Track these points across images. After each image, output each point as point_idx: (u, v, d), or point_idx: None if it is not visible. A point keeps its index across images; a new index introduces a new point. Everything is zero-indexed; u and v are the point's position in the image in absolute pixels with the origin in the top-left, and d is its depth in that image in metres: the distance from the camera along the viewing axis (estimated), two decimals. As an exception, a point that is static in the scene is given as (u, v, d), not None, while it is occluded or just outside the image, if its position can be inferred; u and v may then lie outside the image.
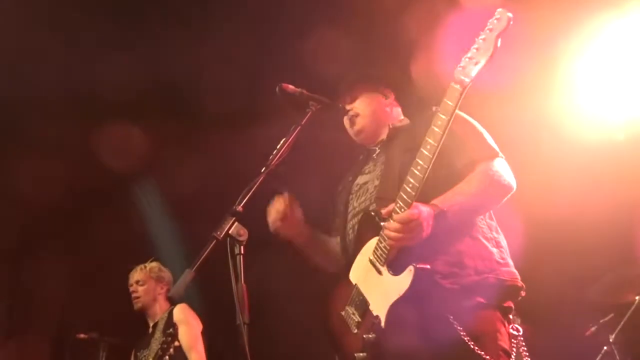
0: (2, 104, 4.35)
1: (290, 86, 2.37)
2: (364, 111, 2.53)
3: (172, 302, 3.67)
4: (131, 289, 3.97)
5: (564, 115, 4.20)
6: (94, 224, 4.96)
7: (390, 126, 2.52)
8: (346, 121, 2.58)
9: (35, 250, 5.02)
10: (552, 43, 3.94)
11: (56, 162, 4.50)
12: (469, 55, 1.92)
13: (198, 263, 1.74)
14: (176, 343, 3.32)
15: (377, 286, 2.10)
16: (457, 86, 1.93)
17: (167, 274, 4.04)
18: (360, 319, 2.15)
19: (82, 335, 4.11)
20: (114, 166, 4.65)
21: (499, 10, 1.89)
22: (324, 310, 2.36)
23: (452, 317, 2.00)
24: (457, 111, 2.33)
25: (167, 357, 3.30)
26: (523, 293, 2.23)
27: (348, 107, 2.54)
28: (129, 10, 4.11)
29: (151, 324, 3.93)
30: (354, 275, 2.25)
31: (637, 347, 4.07)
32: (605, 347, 4.04)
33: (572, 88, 4.18)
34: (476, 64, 1.89)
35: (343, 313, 2.23)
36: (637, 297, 4.06)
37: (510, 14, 1.88)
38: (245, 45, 4.21)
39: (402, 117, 2.62)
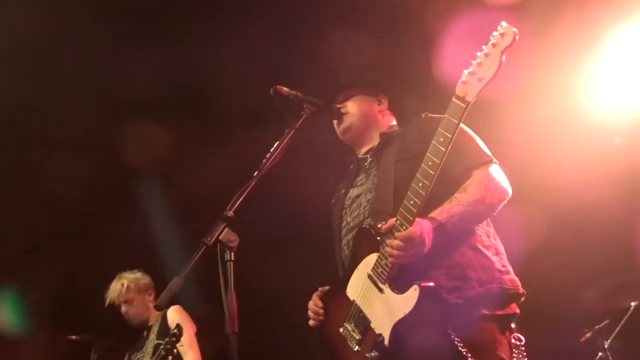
0: (27, 105, 4.38)
1: (285, 88, 2.34)
2: (354, 110, 2.50)
3: (159, 309, 3.60)
4: (123, 312, 3.89)
5: (562, 118, 4.18)
6: (95, 224, 4.95)
7: (381, 133, 2.48)
8: (334, 121, 2.54)
9: (33, 251, 4.98)
10: (553, 48, 3.92)
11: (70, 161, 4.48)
12: (470, 69, 1.86)
13: (187, 270, 1.71)
14: (179, 344, 3.26)
15: (379, 304, 2.06)
16: (461, 103, 1.88)
17: (147, 279, 3.99)
18: (360, 337, 2.11)
19: (73, 337, 4.08)
20: (132, 166, 4.65)
21: (503, 24, 1.82)
22: (322, 326, 2.32)
23: (450, 329, 1.97)
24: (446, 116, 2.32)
25: (170, 357, 3.25)
26: (522, 299, 2.21)
27: (338, 105, 2.51)
28: (151, 11, 4.14)
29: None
30: (352, 291, 2.20)
31: (632, 353, 4.05)
32: (600, 354, 4.02)
33: (574, 91, 4.16)
34: (479, 80, 1.84)
35: (342, 330, 2.19)
36: (632, 303, 4.04)
37: (515, 29, 1.80)
38: (267, 45, 4.22)
39: (393, 123, 2.59)
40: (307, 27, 4.15)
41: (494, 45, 1.82)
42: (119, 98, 4.42)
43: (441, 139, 1.93)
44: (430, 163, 1.94)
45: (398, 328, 1.96)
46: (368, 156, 2.50)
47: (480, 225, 2.24)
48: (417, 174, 1.97)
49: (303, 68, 4.06)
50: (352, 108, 2.51)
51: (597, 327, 4.06)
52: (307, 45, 4.16)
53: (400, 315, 1.96)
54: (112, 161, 4.66)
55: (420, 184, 1.95)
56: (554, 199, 4.09)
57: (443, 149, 1.92)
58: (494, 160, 2.24)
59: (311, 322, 2.37)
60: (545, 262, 4.10)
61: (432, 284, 1.97)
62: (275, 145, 2.21)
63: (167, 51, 4.20)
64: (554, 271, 4.18)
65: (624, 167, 4.00)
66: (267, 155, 2.17)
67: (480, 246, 2.18)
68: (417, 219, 1.97)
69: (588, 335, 4.09)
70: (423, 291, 1.93)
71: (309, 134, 2.33)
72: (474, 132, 2.33)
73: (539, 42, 3.75)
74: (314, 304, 2.37)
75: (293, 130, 2.25)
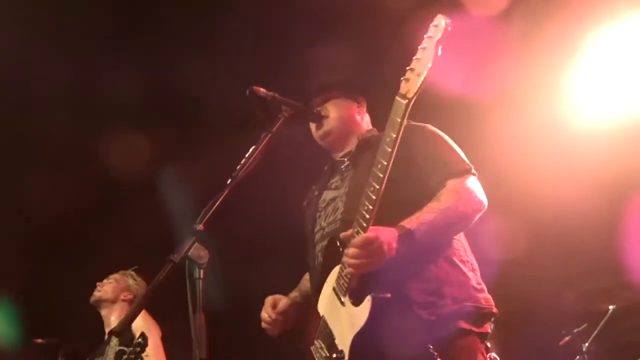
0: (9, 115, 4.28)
1: (262, 89, 2.20)
2: (334, 114, 2.38)
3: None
4: (99, 283, 3.81)
5: (543, 125, 4.14)
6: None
7: (360, 137, 2.37)
8: (312, 124, 2.42)
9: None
10: (534, 55, 3.87)
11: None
12: (411, 66, 1.78)
13: (151, 291, 1.58)
14: (145, 354, 3.12)
15: (341, 318, 1.95)
16: (402, 100, 1.79)
17: (136, 286, 3.86)
18: (327, 354, 1.99)
19: (39, 340, 3.92)
20: (111, 177, 4.54)
21: (438, 16, 1.77)
22: (300, 345, 2.21)
23: (432, 348, 1.87)
24: (428, 125, 2.26)
25: None
26: (493, 319, 2.13)
27: (318, 108, 2.39)
28: (135, 22, 4.06)
29: (107, 330, 3.71)
30: (321, 306, 2.10)
31: (609, 357, 4.07)
32: (578, 357, 4.02)
33: (555, 98, 4.12)
34: (418, 75, 1.76)
35: (312, 348, 2.09)
36: (610, 307, 4.04)
37: (448, 20, 1.75)
38: (250, 56, 4.15)
39: (371, 127, 2.50)
40: (289, 35, 4.07)
41: (429, 37, 1.76)
42: (100, 109, 4.35)
43: (387, 140, 1.83)
44: (379, 166, 1.84)
45: (355, 343, 1.85)
46: (345, 159, 2.39)
47: (458, 238, 2.14)
48: (369, 178, 1.87)
49: (284, 74, 3.97)
50: (332, 112, 2.39)
51: (575, 330, 4.06)
52: (289, 53, 4.08)
53: (356, 329, 1.84)
54: (92, 173, 4.58)
55: (372, 189, 1.85)
56: (534, 203, 4.06)
57: (390, 150, 1.82)
58: (473, 171, 2.15)
59: (264, 325, 2.29)
60: (524, 266, 4.08)
61: (388, 295, 1.84)
62: (250, 150, 2.08)
63: (150, 61, 4.12)
64: (533, 275, 4.17)
65: (605, 172, 3.98)
66: (242, 162, 2.04)
67: (457, 260, 2.09)
68: (376, 227, 1.86)
69: (567, 338, 4.09)
70: (375, 302, 1.80)
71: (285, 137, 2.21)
72: (454, 139, 2.25)
73: (520, 49, 3.70)
74: (268, 313, 2.28)
75: (270, 135, 2.12)
